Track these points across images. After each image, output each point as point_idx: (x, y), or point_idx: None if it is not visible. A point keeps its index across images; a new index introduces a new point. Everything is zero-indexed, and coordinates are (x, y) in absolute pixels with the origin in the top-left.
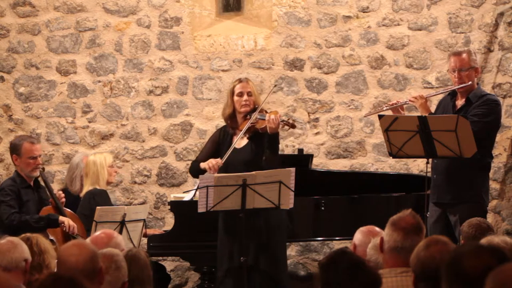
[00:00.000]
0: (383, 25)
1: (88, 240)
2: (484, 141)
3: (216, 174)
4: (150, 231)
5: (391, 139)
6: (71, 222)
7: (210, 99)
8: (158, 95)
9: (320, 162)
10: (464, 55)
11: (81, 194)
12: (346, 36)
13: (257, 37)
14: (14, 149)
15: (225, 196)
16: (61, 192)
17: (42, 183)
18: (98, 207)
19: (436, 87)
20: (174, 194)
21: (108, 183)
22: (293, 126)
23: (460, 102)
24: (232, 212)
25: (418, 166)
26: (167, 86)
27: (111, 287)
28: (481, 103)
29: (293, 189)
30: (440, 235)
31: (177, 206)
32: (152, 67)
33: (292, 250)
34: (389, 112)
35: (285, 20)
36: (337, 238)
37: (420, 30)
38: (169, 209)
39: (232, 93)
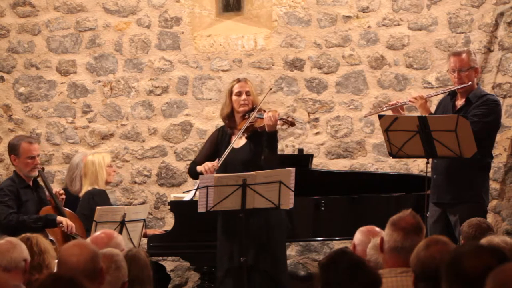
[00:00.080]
0: (383, 25)
1: (88, 240)
2: (484, 141)
3: (216, 174)
4: (150, 231)
5: (391, 139)
6: (69, 222)
7: (210, 99)
8: (158, 95)
9: (320, 162)
10: (464, 55)
11: (81, 194)
12: (346, 36)
13: (257, 37)
14: (12, 149)
15: (225, 196)
16: (59, 189)
17: (42, 183)
18: (98, 207)
19: (436, 87)
20: (174, 194)
21: (107, 183)
22: (292, 124)
23: (460, 102)
24: (231, 212)
25: (418, 166)
26: (167, 86)
27: (111, 287)
28: (481, 103)
29: (293, 189)
30: (440, 235)
31: (177, 206)
32: (152, 67)
33: (292, 250)
34: (389, 112)
35: (285, 20)
36: (337, 238)
37: (420, 30)
38: (169, 209)
39: (230, 92)
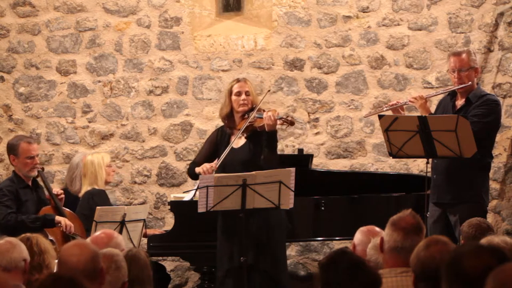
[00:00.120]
0: (383, 25)
1: (88, 240)
2: (484, 141)
3: (216, 174)
4: (150, 231)
5: (391, 139)
6: (68, 222)
7: (210, 99)
8: (158, 95)
9: (320, 162)
10: (464, 55)
11: (80, 195)
12: (346, 36)
13: (257, 37)
14: (11, 149)
15: (225, 196)
16: (58, 189)
17: (41, 183)
18: (98, 207)
19: (436, 87)
20: (174, 194)
21: (107, 182)
22: (291, 123)
23: (460, 102)
24: (231, 212)
25: (418, 166)
26: (167, 86)
27: (111, 287)
28: (481, 103)
29: (293, 189)
30: (440, 235)
31: (177, 206)
32: (152, 67)
33: (292, 250)
34: (389, 113)
35: (285, 20)
36: (337, 238)
37: (420, 30)
38: (169, 209)
39: (230, 92)
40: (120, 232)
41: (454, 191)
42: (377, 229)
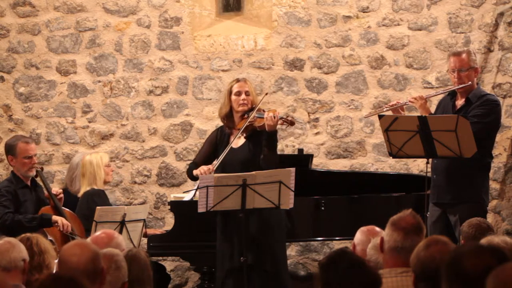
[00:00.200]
0: (383, 25)
1: (88, 240)
2: (484, 141)
3: (216, 174)
4: (150, 231)
5: (391, 139)
6: (65, 221)
7: (210, 99)
8: (158, 95)
9: (320, 162)
10: (464, 55)
11: (79, 195)
12: (346, 36)
13: (257, 37)
14: (9, 149)
15: (225, 196)
16: (57, 189)
17: (41, 183)
18: (98, 207)
19: (436, 87)
20: (174, 194)
21: (105, 182)
22: (292, 123)
23: (460, 102)
24: (231, 212)
25: (418, 166)
26: (167, 86)
27: (111, 287)
28: (481, 103)
29: (293, 189)
30: (440, 235)
31: (177, 206)
32: (152, 67)
33: (292, 250)
34: (389, 113)
35: (285, 20)
36: (337, 238)
37: (420, 30)
38: (169, 209)
39: (229, 92)
40: (120, 232)
41: (454, 191)
42: (377, 229)
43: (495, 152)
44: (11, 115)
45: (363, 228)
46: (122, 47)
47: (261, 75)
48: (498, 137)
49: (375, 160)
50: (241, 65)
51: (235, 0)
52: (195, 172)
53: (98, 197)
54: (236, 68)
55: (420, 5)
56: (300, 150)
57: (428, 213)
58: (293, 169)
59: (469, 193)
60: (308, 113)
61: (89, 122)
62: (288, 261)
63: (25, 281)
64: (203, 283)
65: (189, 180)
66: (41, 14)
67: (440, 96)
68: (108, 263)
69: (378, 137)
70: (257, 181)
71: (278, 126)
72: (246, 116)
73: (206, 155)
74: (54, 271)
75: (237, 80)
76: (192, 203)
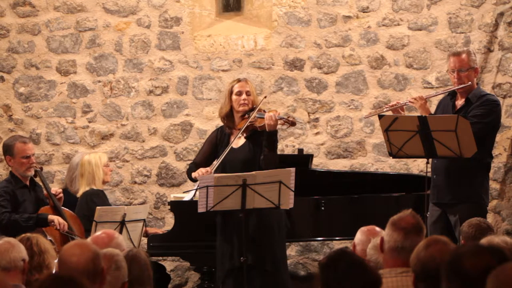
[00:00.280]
0: (383, 25)
1: (89, 240)
2: (484, 141)
3: (216, 174)
4: (151, 230)
5: (391, 139)
6: (61, 220)
7: (210, 99)
8: (158, 95)
9: (320, 162)
10: (464, 56)
11: (78, 195)
12: (346, 36)
13: (257, 37)
14: (7, 150)
15: (225, 196)
16: (57, 189)
17: (40, 183)
18: (98, 207)
19: (436, 87)
20: (174, 194)
21: (104, 182)
22: (292, 123)
23: (459, 102)
24: (231, 212)
25: (418, 166)
26: (167, 86)
27: (111, 287)
28: (480, 103)
29: (293, 189)
30: (440, 235)
31: (177, 206)
32: (152, 67)
33: (292, 250)
34: (389, 113)
35: (285, 20)
36: (337, 238)
37: (420, 30)
38: (169, 209)
39: (230, 92)
40: (120, 232)
41: (454, 191)
42: (377, 229)
43: (495, 152)
44: (11, 115)
45: (363, 228)
46: (122, 47)
47: (261, 75)
48: (498, 137)
49: (375, 160)
50: (241, 65)
51: (235, 0)
52: (193, 174)
53: (97, 197)
54: (236, 68)
55: (420, 5)
56: (300, 150)
57: (428, 213)
58: (293, 169)
59: (469, 193)
60: (308, 113)
61: (89, 122)
62: (288, 261)
63: (25, 281)
64: (203, 283)
65: (189, 180)
66: (41, 14)
67: (440, 96)
68: (108, 263)
69: (378, 137)
70: (257, 181)
71: (279, 127)
72: (246, 116)
73: (206, 155)
74: (54, 271)
75: (238, 80)
76: (192, 203)
